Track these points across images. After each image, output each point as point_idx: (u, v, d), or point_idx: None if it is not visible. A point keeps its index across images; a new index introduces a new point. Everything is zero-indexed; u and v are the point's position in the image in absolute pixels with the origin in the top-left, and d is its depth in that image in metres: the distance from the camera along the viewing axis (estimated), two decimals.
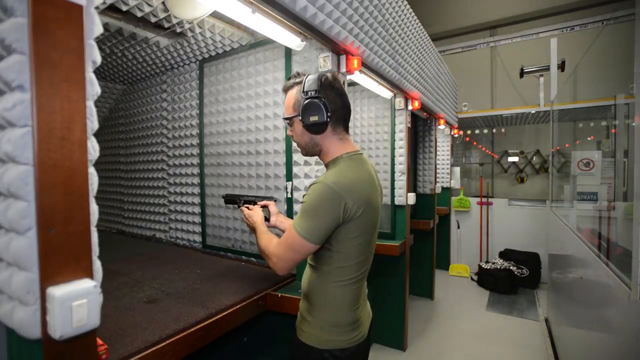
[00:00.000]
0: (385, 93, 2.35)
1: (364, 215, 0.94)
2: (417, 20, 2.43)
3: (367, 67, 1.75)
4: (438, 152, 4.13)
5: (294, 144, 1.08)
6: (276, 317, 1.56)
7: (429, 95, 2.83)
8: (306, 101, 0.97)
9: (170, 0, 1.57)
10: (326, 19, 1.29)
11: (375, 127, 2.83)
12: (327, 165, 1.06)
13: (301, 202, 0.98)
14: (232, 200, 1.52)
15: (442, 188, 4.29)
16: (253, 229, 1.20)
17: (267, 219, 1.29)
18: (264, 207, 1.34)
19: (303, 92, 0.98)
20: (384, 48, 1.82)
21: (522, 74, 4.42)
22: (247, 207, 1.32)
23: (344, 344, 1.00)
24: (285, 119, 1.06)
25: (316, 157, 1.09)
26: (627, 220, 1.71)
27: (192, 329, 1.13)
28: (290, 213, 1.70)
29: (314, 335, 1.01)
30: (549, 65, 4.12)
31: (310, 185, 0.96)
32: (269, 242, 1.05)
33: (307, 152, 1.07)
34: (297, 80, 1.02)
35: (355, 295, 1.02)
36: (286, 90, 1.06)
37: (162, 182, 2.57)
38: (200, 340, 1.15)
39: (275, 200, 1.37)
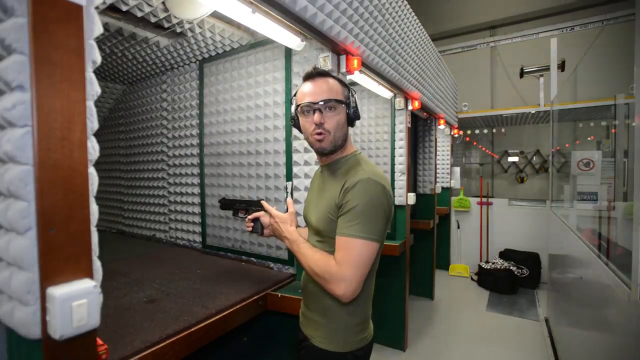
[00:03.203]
0: (385, 93, 2.35)
1: (391, 204, 0.99)
2: (417, 20, 2.43)
3: (367, 67, 1.75)
4: (438, 152, 4.13)
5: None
6: (276, 317, 1.56)
7: (429, 95, 2.83)
8: (354, 96, 1.04)
9: (170, 0, 1.57)
10: (326, 19, 1.29)
11: (375, 127, 2.83)
12: (337, 162, 1.04)
13: (346, 205, 0.90)
14: (227, 206, 1.42)
15: (442, 188, 4.29)
16: (283, 237, 1.05)
17: (260, 233, 1.17)
18: (255, 219, 1.18)
19: (347, 88, 1.05)
20: (384, 48, 1.82)
21: (522, 74, 4.42)
22: (253, 215, 1.18)
23: (361, 343, 1.00)
24: (339, 101, 0.97)
25: (316, 157, 1.08)
26: (627, 220, 1.71)
27: (192, 329, 1.13)
28: None
29: (334, 339, 0.98)
30: (549, 65, 4.12)
31: (354, 186, 0.90)
32: (327, 263, 0.89)
33: (335, 144, 0.99)
34: (331, 73, 1.06)
35: (372, 288, 1.03)
36: (320, 75, 1.00)
37: (162, 182, 2.57)
38: (200, 340, 1.15)
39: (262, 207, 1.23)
